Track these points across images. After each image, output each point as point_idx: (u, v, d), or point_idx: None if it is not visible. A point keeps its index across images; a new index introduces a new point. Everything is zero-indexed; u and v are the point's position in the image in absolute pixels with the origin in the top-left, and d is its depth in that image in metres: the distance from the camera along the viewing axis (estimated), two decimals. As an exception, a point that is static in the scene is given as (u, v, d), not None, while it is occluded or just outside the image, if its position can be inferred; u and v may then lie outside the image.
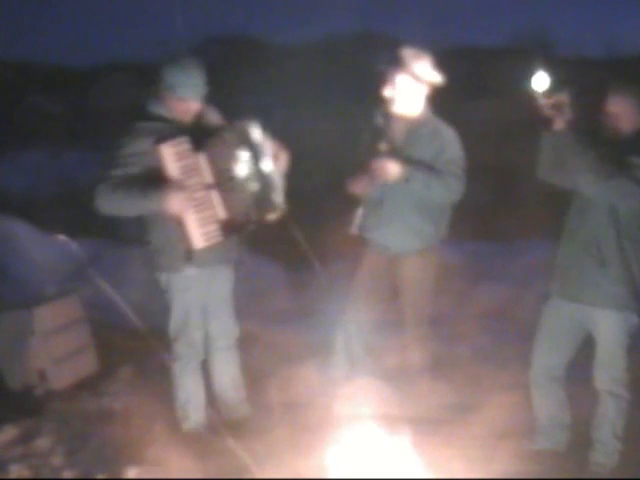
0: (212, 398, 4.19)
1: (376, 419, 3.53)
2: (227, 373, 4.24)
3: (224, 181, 3.80)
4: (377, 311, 4.39)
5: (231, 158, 3.76)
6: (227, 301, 4.17)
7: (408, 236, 4.23)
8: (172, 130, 3.80)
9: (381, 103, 4.24)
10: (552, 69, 3.48)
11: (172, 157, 3.75)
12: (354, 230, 4.35)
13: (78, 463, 3.86)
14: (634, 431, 3.76)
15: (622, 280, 3.60)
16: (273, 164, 3.80)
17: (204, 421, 4.11)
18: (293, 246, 4.03)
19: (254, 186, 3.77)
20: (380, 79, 4.17)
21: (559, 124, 3.48)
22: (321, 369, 4.55)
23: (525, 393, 3.93)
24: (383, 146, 4.16)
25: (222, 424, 3.96)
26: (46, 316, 4.88)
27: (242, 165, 3.75)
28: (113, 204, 3.81)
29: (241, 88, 8.59)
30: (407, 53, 4.13)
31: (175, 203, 3.74)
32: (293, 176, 3.95)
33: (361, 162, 4.19)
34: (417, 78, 4.12)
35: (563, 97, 3.45)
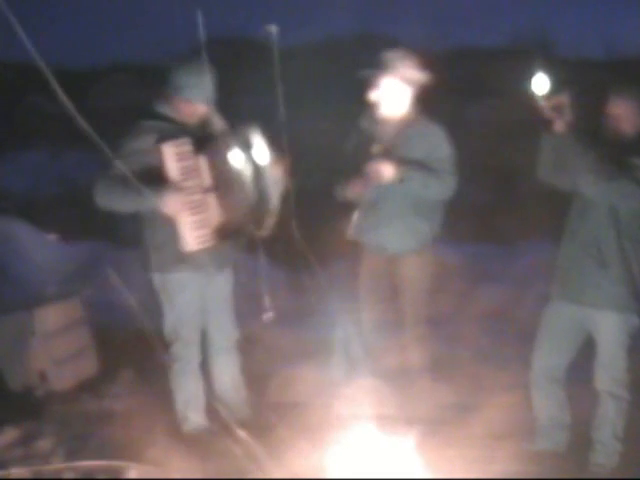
0: (212, 399, 4.19)
1: (376, 419, 3.52)
2: (227, 374, 4.25)
3: (222, 185, 3.81)
4: (377, 311, 4.39)
5: (230, 162, 3.76)
6: (226, 303, 4.17)
7: (404, 236, 4.25)
8: (175, 131, 3.81)
9: (368, 107, 4.27)
10: (552, 70, 3.48)
11: (173, 157, 3.76)
12: (350, 234, 4.38)
13: (78, 464, 3.86)
14: (634, 432, 3.76)
15: (622, 281, 3.60)
16: (271, 169, 3.81)
17: (204, 422, 4.11)
18: (293, 247, 4.03)
19: (252, 191, 3.78)
20: (365, 83, 4.21)
21: (559, 125, 3.48)
22: (321, 369, 4.55)
23: (525, 393, 3.94)
24: (376, 148, 4.20)
25: (222, 425, 3.96)
26: (47, 317, 4.88)
27: (241, 170, 3.76)
28: (110, 198, 3.82)
29: (241, 88, 8.61)
30: (391, 56, 4.17)
31: (171, 203, 3.75)
32: (293, 176, 3.95)
33: (349, 166, 4.22)
34: (402, 80, 4.15)
35: (563, 98, 3.46)
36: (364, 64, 4.24)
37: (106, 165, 3.68)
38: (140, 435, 3.90)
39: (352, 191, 4.28)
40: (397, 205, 4.22)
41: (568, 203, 3.76)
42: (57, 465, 3.80)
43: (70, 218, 7.60)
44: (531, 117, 3.60)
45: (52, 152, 10.08)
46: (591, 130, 3.61)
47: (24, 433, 4.21)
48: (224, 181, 3.81)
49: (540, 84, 3.45)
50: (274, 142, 3.84)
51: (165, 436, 3.90)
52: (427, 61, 4.27)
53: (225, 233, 3.88)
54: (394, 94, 4.21)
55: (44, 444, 4.09)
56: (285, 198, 3.88)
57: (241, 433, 3.81)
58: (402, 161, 4.14)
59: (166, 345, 4.06)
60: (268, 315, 3.97)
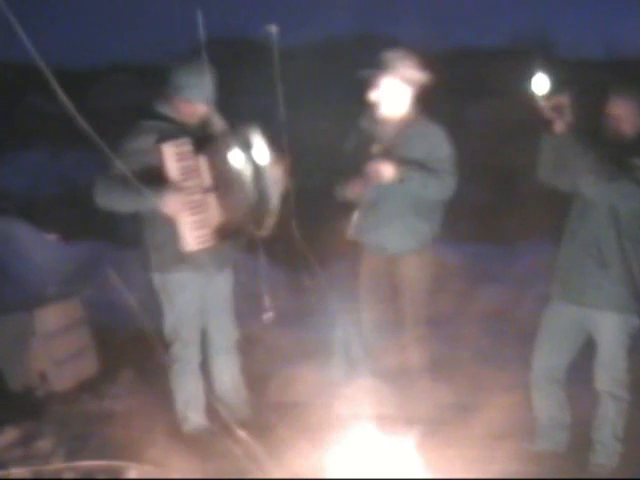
0: (212, 399, 4.19)
1: (376, 419, 3.52)
2: (227, 374, 4.25)
3: (222, 185, 3.81)
4: (377, 311, 4.40)
5: (230, 162, 3.76)
6: (226, 303, 4.18)
7: (404, 236, 4.25)
8: (176, 131, 3.81)
9: (368, 107, 4.27)
10: (552, 70, 3.48)
11: (173, 157, 3.76)
12: (350, 234, 4.38)
13: (78, 464, 3.86)
14: (634, 432, 3.76)
15: (623, 281, 3.60)
16: (271, 169, 3.81)
17: (204, 422, 4.11)
18: (293, 247, 4.03)
19: (252, 191, 3.78)
20: (365, 83, 4.21)
21: (559, 126, 3.48)
22: (321, 369, 4.55)
23: (525, 394, 3.94)
24: (376, 148, 4.20)
25: (222, 425, 3.96)
26: (47, 317, 4.88)
27: (241, 170, 3.76)
28: (110, 198, 3.82)
29: (241, 88, 8.61)
30: (391, 56, 4.17)
31: (171, 203, 3.75)
32: (293, 176, 3.95)
33: (349, 166, 4.23)
34: (402, 80, 4.16)
35: (563, 98, 3.46)
36: (364, 64, 4.25)
37: (106, 165, 3.68)
38: (140, 435, 3.90)
39: (352, 191, 4.28)
40: (397, 205, 4.23)
41: (568, 203, 3.76)
42: (57, 465, 3.80)
43: (70, 218, 7.60)
44: (531, 117, 3.60)
45: (52, 152, 10.08)
46: (591, 130, 3.61)
47: (24, 433, 4.21)
48: (224, 181, 3.81)
49: (540, 84, 3.45)
50: (274, 142, 3.84)
51: (165, 436, 3.90)
52: (427, 61, 4.27)
53: (225, 233, 3.88)
54: (394, 94, 4.22)
55: (44, 444, 4.09)
56: (285, 198, 3.88)
57: (241, 433, 3.81)
58: (402, 161, 4.14)
59: (166, 345, 4.06)
60: (268, 315, 3.97)
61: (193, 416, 4.10)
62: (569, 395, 3.87)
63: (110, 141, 3.24)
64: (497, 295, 6.09)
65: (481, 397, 4.34)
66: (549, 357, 3.81)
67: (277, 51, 3.71)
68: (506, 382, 4.36)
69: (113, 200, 3.84)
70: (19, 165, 9.70)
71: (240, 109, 4.59)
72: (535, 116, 3.52)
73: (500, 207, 7.84)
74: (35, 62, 2.60)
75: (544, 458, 3.83)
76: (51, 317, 4.91)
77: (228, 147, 3.77)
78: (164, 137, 3.76)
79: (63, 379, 4.84)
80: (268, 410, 4.21)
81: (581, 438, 3.83)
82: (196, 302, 4.04)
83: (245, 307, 4.29)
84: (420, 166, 4.16)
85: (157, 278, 4.00)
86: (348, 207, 4.40)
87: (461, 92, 10.10)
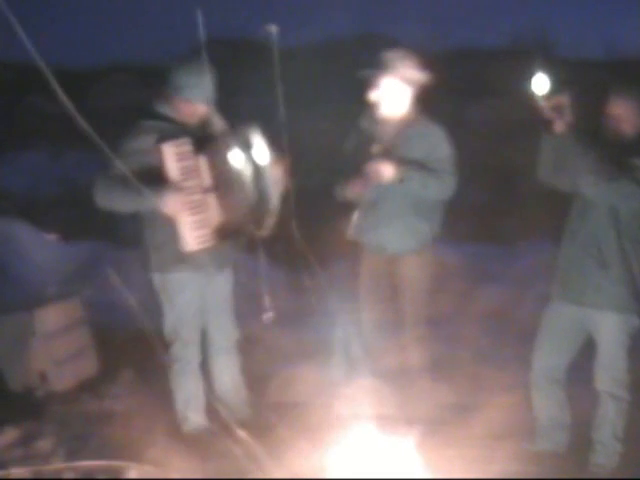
0: (212, 399, 4.19)
1: (376, 419, 3.52)
2: (227, 374, 4.25)
3: (222, 185, 3.81)
4: (377, 311, 4.40)
5: (230, 162, 3.76)
6: (226, 303, 4.17)
7: (404, 236, 4.25)
8: (176, 131, 3.81)
9: (368, 107, 4.27)
10: (552, 70, 3.48)
11: (173, 157, 3.76)
12: (350, 234, 4.38)
13: (78, 464, 3.86)
14: (634, 432, 3.76)
15: (623, 281, 3.60)
16: (271, 169, 3.81)
17: (204, 422, 4.11)
18: (293, 247, 4.03)
19: (252, 191, 3.78)
20: (365, 83, 4.21)
21: (559, 126, 3.48)
22: (321, 369, 4.55)
23: (525, 394, 3.94)
24: (376, 148, 4.20)
25: (222, 425, 3.96)
26: (47, 318, 4.88)
27: (241, 170, 3.75)
28: (110, 198, 3.82)
29: (241, 88, 8.61)
30: (391, 56, 4.17)
31: (171, 203, 3.75)
32: (293, 176, 3.96)
33: (349, 166, 4.23)
34: (402, 79, 4.15)
35: (563, 98, 3.46)
36: (364, 64, 4.25)
37: (106, 165, 3.68)
38: (140, 435, 3.90)
39: (352, 191, 4.28)
40: (397, 205, 4.22)
41: (568, 203, 3.76)
42: (57, 465, 3.80)
43: (70, 218, 7.61)
44: (531, 117, 3.60)
45: (52, 152, 10.08)
46: (591, 130, 3.61)
47: (24, 433, 4.21)
48: (224, 181, 3.81)
49: (540, 84, 3.45)
50: (274, 142, 3.84)
51: (165, 436, 3.90)
52: (427, 61, 4.27)
53: (225, 233, 3.88)
54: (394, 94, 4.21)
55: (44, 444, 4.09)
56: (285, 198, 3.88)
57: (241, 433, 3.81)
58: (402, 161, 4.14)
59: (166, 345, 4.06)
60: (268, 315, 3.97)
61: (193, 416, 4.10)
62: (569, 395, 3.86)
63: (110, 141, 3.24)
64: (497, 295, 6.09)
65: (481, 397, 4.34)
66: (549, 357, 3.81)
67: (277, 51, 3.71)
68: (506, 382, 4.36)
69: (113, 200, 3.84)
70: (19, 165, 9.70)
71: (240, 109, 4.59)
72: (535, 116, 3.52)
73: (500, 207, 7.84)
74: (35, 62, 2.60)
75: (544, 458, 3.82)
76: (51, 317, 4.91)
77: (228, 147, 3.77)
78: (164, 137, 3.76)
79: (63, 379, 4.84)
80: (268, 410, 4.21)
81: (581, 438, 3.83)
82: (196, 302, 4.04)
83: (245, 307, 4.29)
84: (420, 166, 4.16)
85: (157, 278, 4.00)
86: (348, 207, 4.40)
87: (461, 92, 10.11)
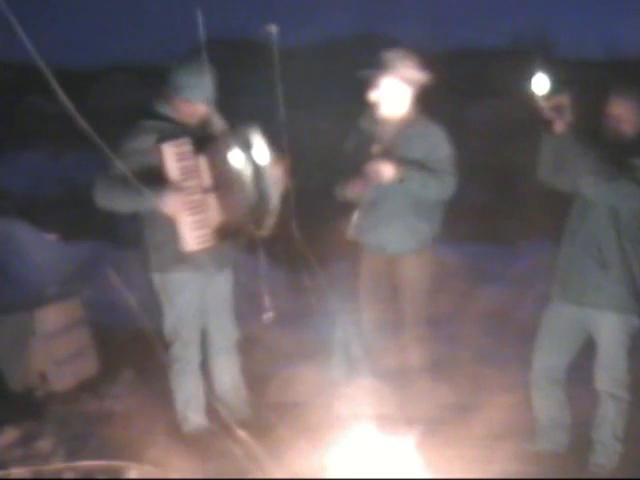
0: (212, 399, 4.19)
1: (376, 419, 3.52)
2: (227, 374, 4.24)
3: (222, 185, 3.81)
4: (377, 311, 4.40)
5: (230, 162, 3.76)
6: (226, 303, 4.17)
7: (404, 236, 4.25)
8: (176, 131, 3.81)
9: (368, 107, 4.27)
10: (552, 70, 3.48)
11: (173, 157, 3.76)
12: (350, 234, 4.38)
13: (78, 464, 3.86)
14: (634, 432, 3.76)
15: (623, 281, 3.60)
16: (271, 169, 3.81)
17: (204, 422, 4.11)
18: (293, 247, 4.03)
19: (252, 191, 3.78)
20: (365, 83, 4.21)
21: (559, 126, 3.48)
22: (321, 369, 4.55)
23: (525, 394, 3.94)
24: (376, 148, 4.20)
25: (222, 425, 3.96)
26: (47, 318, 4.88)
27: (241, 170, 3.75)
28: (110, 198, 3.82)
29: (241, 89, 8.61)
30: (391, 56, 4.17)
31: (171, 203, 3.75)
32: (293, 176, 3.96)
33: (349, 166, 4.23)
34: (402, 79, 4.15)
35: (563, 98, 3.46)
36: (364, 64, 4.25)
37: (106, 165, 3.68)
38: (140, 435, 3.90)
39: (352, 191, 4.28)
40: (397, 205, 4.22)
41: (568, 203, 3.76)
42: (57, 465, 3.80)
43: (70, 218, 7.61)
44: (531, 117, 3.60)
45: (52, 152, 10.09)
46: (591, 130, 3.61)
47: (24, 433, 4.21)
48: (224, 181, 3.81)
49: (540, 84, 3.45)
50: (274, 142, 3.84)
51: (165, 436, 3.90)
52: (427, 61, 4.27)
53: (225, 233, 3.88)
54: (394, 94, 4.21)
55: (44, 444, 4.09)
56: (285, 198, 3.88)
57: (241, 433, 3.81)
58: (402, 161, 4.14)
59: (166, 345, 4.06)
60: (268, 315, 3.97)
61: (193, 416, 4.09)
62: (569, 395, 3.86)
63: (110, 141, 3.24)
64: (497, 295, 6.09)
65: (481, 397, 4.34)
66: (549, 357, 3.81)
67: (277, 51, 3.71)
68: (506, 382, 4.36)
69: (113, 200, 3.84)
70: (19, 165, 9.71)
71: (240, 109, 4.59)
72: (535, 116, 3.52)
73: (500, 207, 7.85)
74: (35, 62, 2.60)
75: (544, 458, 3.82)
76: (51, 317, 4.91)
77: (228, 147, 3.77)
78: (164, 137, 3.76)
79: (63, 379, 4.84)
80: (268, 410, 4.21)
81: (581, 438, 3.83)
82: (196, 302, 4.04)
83: (245, 307, 4.29)
84: (420, 166, 4.16)
85: (157, 278, 4.00)
86: (348, 207, 4.40)
87: (461, 92, 10.11)
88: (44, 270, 6.22)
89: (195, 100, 3.86)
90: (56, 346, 4.87)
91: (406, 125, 4.24)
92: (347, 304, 4.48)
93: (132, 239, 4.25)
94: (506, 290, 6.13)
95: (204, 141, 3.82)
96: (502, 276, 6.44)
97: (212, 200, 3.83)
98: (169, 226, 3.82)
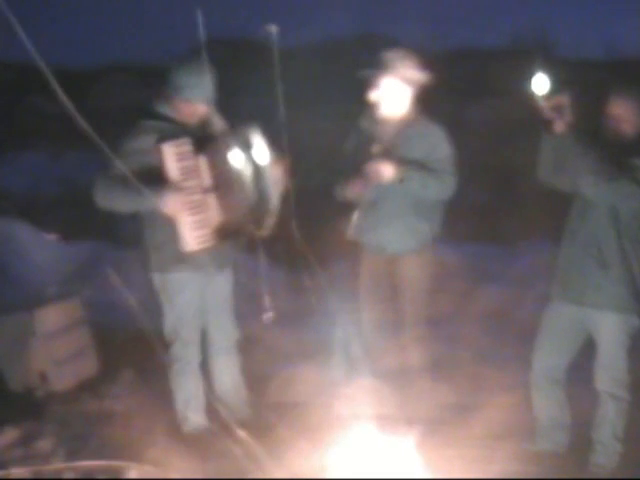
0: (212, 399, 4.19)
1: (376, 419, 3.52)
2: (227, 374, 4.25)
3: (222, 185, 3.81)
4: (377, 311, 4.40)
5: (230, 162, 3.76)
6: (226, 303, 4.18)
7: (404, 236, 4.25)
8: (176, 131, 3.81)
9: (368, 107, 4.27)
10: (552, 70, 3.48)
11: (173, 157, 3.76)
12: (350, 234, 4.38)
13: (78, 464, 3.86)
14: (634, 432, 3.76)
15: (623, 281, 3.60)
16: (271, 169, 3.81)
17: (204, 422, 4.11)
18: (293, 247, 4.03)
19: (252, 191, 3.78)
20: (365, 83, 4.21)
21: (559, 126, 3.48)
22: (321, 369, 4.55)
23: (525, 394, 3.94)
24: (376, 148, 4.20)
25: (222, 425, 3.96)
26: (47, 318, 4.88)
27: (241, 170, 3.75)
28: (110, 198, 3.82)
29: (241, 88, 8.61)
30: (391, 56, 4.17)
31: (171, 203, 3.75)
32: (293, 176, 3.96)
33: (349, 166, 4.23)
34: (402, 79, 4.16)
35: (563, 98, 3.46)
36: (364, 64, 4.25)
37: (106, 165, 3.68)
38: (140, 435, 3.90)
39: (352, 191, 4.28)
40: (397, 205, 4.23)
41: (568, 203, 3.76)
42: (57, 465, 3.80)
43: (70, 218, 7.61)
44: (531, 117, 3.60)
45: (52, 152, 10.08)
46: (591, 130, 3.61)
47: (24, 433, 4.21)
48: (224, 181, 3.81)
49: (540, 84, 3.45)
50: (274, 142, 3.84)
51: (165, 436, 3.90)
52: (427, 61, 4.27)
53: (225, 233, 3.88)
54: (394, 94, 4.22)
55: (44, 444, 4.09)
56: (285, 198, 3.89)
57: (241, 433, 3.81)
58: (402, 161, 4.14)
59: (166, 345, 4.06)
60: (268, 315, 3.97)
61: (193, 416, 4.09)
62: (569, 395, 3.86)
63: (110, 141, 3.24)
64: (497, 295, 6.09)
65: (481, 397, 4.34)
66: (549, 357, 3.81)
67: (277, 51, 3.71)
68: (506, 382, 4.36)
69: (113, 200, 3.84)
70: (19, 165, 9.70)
71: (240, 109, 4.59)
72: (535, 116, 3.52)
73: (500, 207, 7.84)
74: (35, 62, 2.60)
75: (544, 458, 3.82)
76: (51, 317, 4.91)
77: (228, 147, 3.77)
78: (164, 137, 3.76)
79: (63, 379, 4.84)
80: (268, 410, 4.21)
81: (581, 438, 3.83)
82: (196, 302, 4.04)
83: (245, 307, 4.29)
84: (420, 166, 4.16)
85: (157, 278, 4.00)
86: (348, 207, 4.40)
87: (461, 92, 10.11)
88: (44, 270, 6.22)
89: (195, 100, 3.86)
90: (56, 346, 4.87)
91: (406, 125, 4.25)
92: (347, 304, 4.48)
93: (132, 239, 4.25)
94: (506, 290, 6.13)
95: (204, 141, 3.82)
96: (502, 276, 6.44)
97: (212, 200, 3.84)
98: (169, 226, 3.82)
